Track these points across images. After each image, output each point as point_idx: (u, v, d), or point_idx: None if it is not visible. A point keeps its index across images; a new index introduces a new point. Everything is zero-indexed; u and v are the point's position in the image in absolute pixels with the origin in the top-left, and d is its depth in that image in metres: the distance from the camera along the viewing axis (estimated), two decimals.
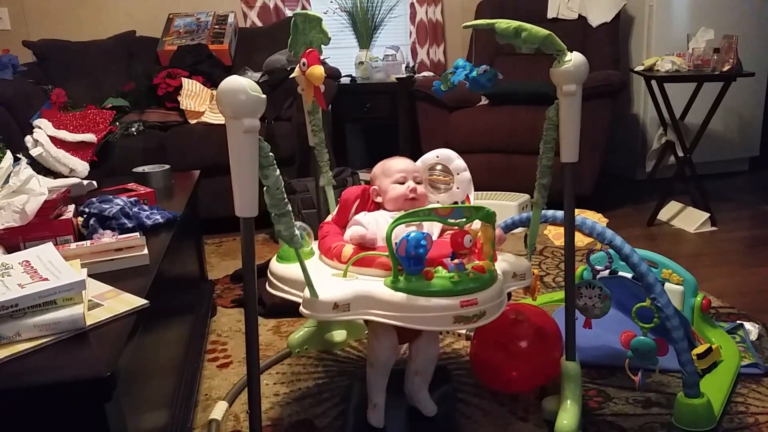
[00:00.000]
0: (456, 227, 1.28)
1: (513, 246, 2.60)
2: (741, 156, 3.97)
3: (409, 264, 1.20)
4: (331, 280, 1.29)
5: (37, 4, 3.57)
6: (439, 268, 1.24)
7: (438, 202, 1.60)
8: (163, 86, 3.10)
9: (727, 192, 3.58)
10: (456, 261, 1.24)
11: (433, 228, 1.44)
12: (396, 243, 1.20)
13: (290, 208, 1.14)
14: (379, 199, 1.54)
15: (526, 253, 1.53)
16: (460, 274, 1.22)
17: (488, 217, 1.27)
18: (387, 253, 1.22)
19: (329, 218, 1.58)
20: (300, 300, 1.26)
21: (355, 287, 1.24)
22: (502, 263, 1.39)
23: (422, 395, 1.45)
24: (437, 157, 1.62)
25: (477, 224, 1.32)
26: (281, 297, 1.38)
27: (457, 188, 1.59)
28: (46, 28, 3.53)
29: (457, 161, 1.60)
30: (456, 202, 1.59)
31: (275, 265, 1.43)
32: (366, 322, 1.31)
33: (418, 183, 1.53)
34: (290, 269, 1.36)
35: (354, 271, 1.30)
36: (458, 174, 1.59)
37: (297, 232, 1.18)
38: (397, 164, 1.54)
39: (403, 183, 1.51)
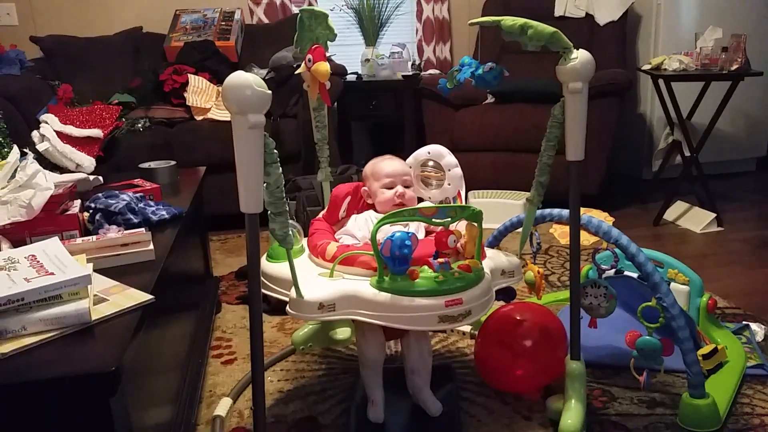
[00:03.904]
0: (441, 227, 1.28)
1: (516, 245, 2.59)
2: (748, 156, 3.95)
3: (394, 264, 1.21)
4: (317, 280, 1.29)
5: (45, 0, 3.58)
6: (425, 267, 1.24)
7: (430, 198, 1.60)
8: (170, 82, 3.10)
9: (734, 192, 3.56)
10: (441, 260, 1.24)
11: (418, 227, 1.45)
12: (381, 243, 1.20)
13: (287, 208, 1.15)
14: (370, 201, 1.55)
15: (530, 253, 1.52)
16: (445, 274, 1.22)
17: (474, 216, 1.27)
18: (372, 253, 1.23)
19: (320, 215, 1.59)
20: (288, 299, 1.26)
21: (341, 287, 1.25)
22: (491, 261, 1.39)
23: (424, 395, 1.44)
24: (428, 153, 1.62)
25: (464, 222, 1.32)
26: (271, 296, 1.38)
27: (449, 184, 1.59)
28: (53, 23, 3.54)
29: (448, 157, 1.60)
30: (448, 198, 1.60)
31: (265, 264, 1.43)
32: (353, 321, 1.31)
33: (408, 186, 1.53)
34: (279, 268, 1.36)
35: (341, 271, 1.30)
36: (449, 170, 1.59)
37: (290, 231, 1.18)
38: (386, 167, 1.53)
39: (391, 188, 1.51)
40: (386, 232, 1.26)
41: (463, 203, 1.56)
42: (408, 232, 1.21)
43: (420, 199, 1.61)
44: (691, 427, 1.43)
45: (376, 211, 1.53)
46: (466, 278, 1.24)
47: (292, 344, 1.82)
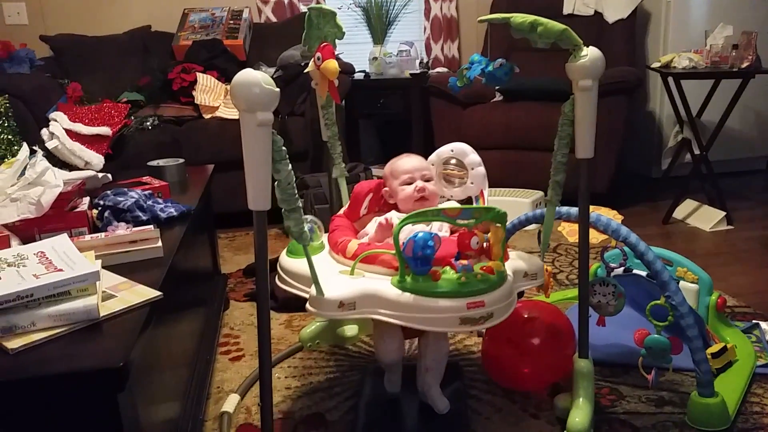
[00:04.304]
0: (465, 228, 1.27)
1: (526, 243, 2.59)
2: (758, 154, 3.92)
3: (416, 264, 1.19)
4: (337, 277, 1.28)
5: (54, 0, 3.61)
6: (447, 268, 1.22)
7: (452, 196, 1.59)
8: (178, 81, 3.12)
9: (744, 190, 3.54)
10: (463, 261, 1.23)
11: (441, 226, 1.43)
12: (403, 243, 1.19)
13: (301, 204, 1.14)
14: (392, 201, 1.54)
15: (539, 251, 1.52)
16: (467, 275, 1.20)
17: (499, 217, 1.26)
18: (394, 252, 1.22)
19: (341, 212, 1.58)
20: (307, 296, 1.26)
21: (362, 286, 1.23)
22: (513, 262, 1.37)
23: (434, 392, 1.44)
24: (452, 150, 1.60)
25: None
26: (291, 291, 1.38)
27: (471, 183, 1.58)
28: (62, 22, 3.56)
29: (471, 156, 1.58)
30: (470, 197, 1.58)
31: (285, 260, 1.42)
32: (372, 321, 1.30)
33: (428, 180, 1.51)
34: (299, 264, 1.35)
35: (362, 269, 1.30)
36: (472, 169, 1.58)
37: (307, 226, 1.17)
38: (404, 164, 1.52)
39: (410, 184, 1.50)
40: (409, 231, 1.25)
41: (486, 202, 1.55)
42: (431, 233, 1.19)
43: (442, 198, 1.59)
44: (700, 426, 1.43)
45: (398, 210, 1.52)
46: (489, 280, 1.22)
47: (300, 341, 1.83)
